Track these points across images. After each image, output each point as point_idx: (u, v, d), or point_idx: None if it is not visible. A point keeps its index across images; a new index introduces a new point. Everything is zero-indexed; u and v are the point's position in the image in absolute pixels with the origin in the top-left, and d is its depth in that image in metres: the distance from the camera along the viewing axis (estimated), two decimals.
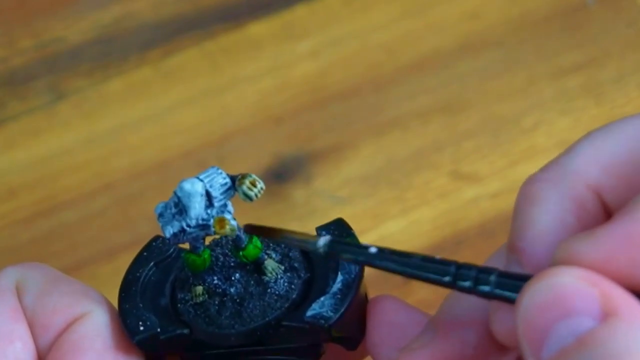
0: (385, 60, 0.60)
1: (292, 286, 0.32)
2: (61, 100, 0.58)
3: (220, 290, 0.33)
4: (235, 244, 0.33)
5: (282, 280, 0.32)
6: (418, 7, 0.62)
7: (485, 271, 0.28)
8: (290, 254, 0.33)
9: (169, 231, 0.32)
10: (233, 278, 0.33)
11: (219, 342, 0.33)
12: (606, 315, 0.25)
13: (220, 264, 0.33)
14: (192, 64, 0.60)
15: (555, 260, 0.27)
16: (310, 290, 0.32)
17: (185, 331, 0.32)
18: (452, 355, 0.30)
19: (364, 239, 0.53)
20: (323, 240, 0.30)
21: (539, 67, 0.58)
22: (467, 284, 0.28)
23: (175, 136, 0.57)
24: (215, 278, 0.33)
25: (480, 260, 0.30)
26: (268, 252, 0.33)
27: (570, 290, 0.26)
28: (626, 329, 0.25)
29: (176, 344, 0.33)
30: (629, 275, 0.26)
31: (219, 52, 0.60)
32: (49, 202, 0.55)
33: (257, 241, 0.33)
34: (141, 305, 0.33)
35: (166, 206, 0.32)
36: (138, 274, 0.34)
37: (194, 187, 0.32)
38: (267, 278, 0.33)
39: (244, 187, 0.31)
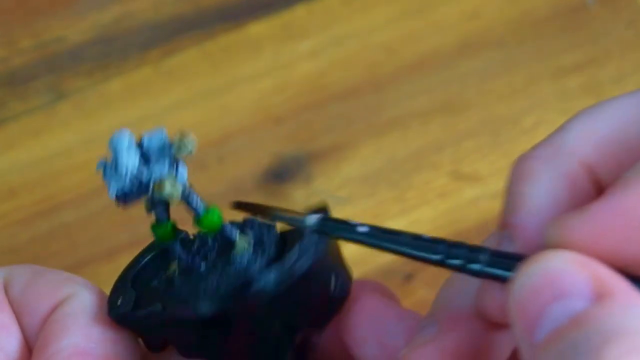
0: (385, 60, 0.60)
1: (255, 265, 0.32)
2: (61, 100, 0.58)
3: (191, 266, 0.33)
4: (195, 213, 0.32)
5: (245, 259, 0.32)
6: (418, 7, 0.62)
7: (476, 250, 0.29)
8: (265, 239, 0.33)
9: (111, 194, 0.31)
10: (208, 257, 0.33)
11: (184, 317, 0.32)
12: (599, 296, 0.25)
13: (202, 243, 0.33)
14: (192, 64, 0.60)
15: (547, 237, 0.27)
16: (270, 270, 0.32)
17: (157, 308, 0.32)
18: (461, 346, 0.30)
19: None
20: (314, 219, 0.30)
21: (539, 67, 0.58)
22: (457, 262, 0.29)
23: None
24: (191, 256, 0.33)
25: None
26: (245, 230, 0.33)
27: (563, 273, 0.26)
28: (619, 307, 0.25)
29: (151, 320, 0.32)
30: (621, 251, 0.26)
31: (219, 52, 0.60)
32: (49, 202, 0.55)
33: (214, 213, 0.32)
34: (130, 284, 0.33)
35: (106, 165, 0.31)
36: (144, 255, 0.34)
37: (119, 138, 0.31)
38: (235, 253, 0.32)
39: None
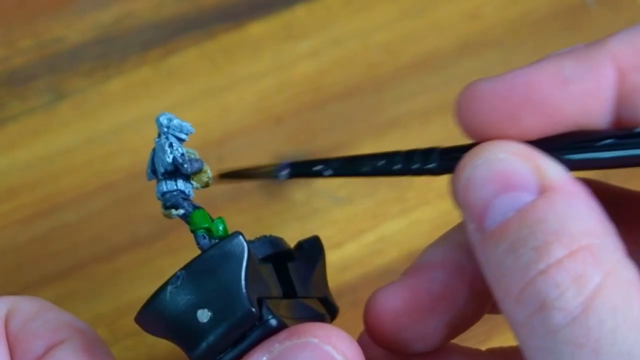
0: (385, 60, 0.60)
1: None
2: (61, 100, 0.58)
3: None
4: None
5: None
6: (418, 7, 0.62)
7: (428, 151, 0.31)
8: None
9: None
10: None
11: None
12: (543, 189, 0.27)
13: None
14: (192, 64, 0.60)
15: (460, 95, 0.30)
16: None
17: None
18: (420, 290, 0.32)
19: (363, 239, 0.53)
20: (285, 167, 0.34)
21: None
22: (416, 166, 0.31)
23: None
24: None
25: None
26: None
27: (508, 166, 0.28)
28: (563, 202, 0.26)
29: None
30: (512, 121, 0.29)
31: (219, 52, 0.60)
32: (49, 202, 0.55)
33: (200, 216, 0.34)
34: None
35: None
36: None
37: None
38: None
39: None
